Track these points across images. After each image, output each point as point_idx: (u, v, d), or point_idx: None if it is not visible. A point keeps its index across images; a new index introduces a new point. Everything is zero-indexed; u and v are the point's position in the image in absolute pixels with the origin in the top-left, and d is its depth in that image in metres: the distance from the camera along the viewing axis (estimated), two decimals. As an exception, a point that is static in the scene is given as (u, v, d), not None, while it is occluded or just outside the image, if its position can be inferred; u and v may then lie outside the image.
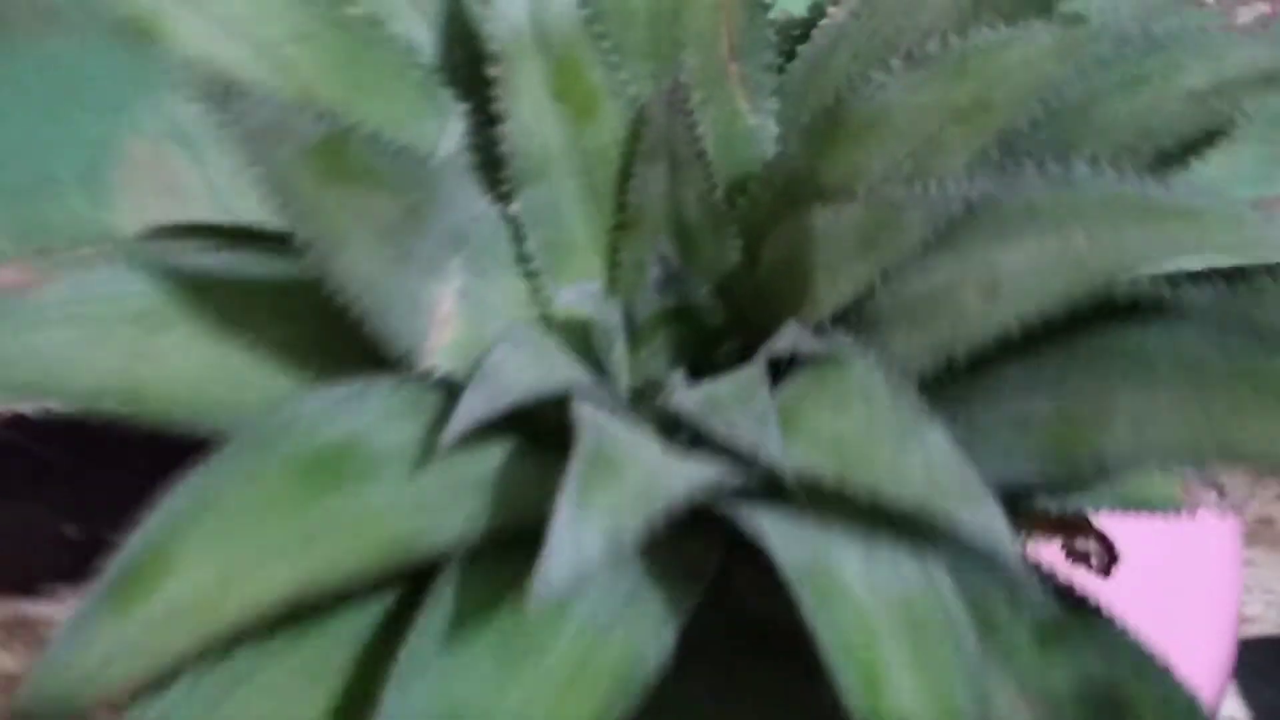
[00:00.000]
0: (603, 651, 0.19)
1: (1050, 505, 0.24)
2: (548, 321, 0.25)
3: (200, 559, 0.18)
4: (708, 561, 0.23)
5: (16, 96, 0.51)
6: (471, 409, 0.20)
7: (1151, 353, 0.20)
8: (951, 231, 0.22)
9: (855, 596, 0.18)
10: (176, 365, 0.22)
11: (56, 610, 0.64)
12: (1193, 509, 0.29)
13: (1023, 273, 0.21)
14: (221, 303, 0.22)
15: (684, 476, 0.19)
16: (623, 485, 0.18)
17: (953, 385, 0.22)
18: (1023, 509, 0.23)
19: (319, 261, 0.19)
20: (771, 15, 0.26)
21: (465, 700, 0.18)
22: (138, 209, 0.56)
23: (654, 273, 0.26)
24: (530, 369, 0.22)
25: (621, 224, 0.26)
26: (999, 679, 0.19)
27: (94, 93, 0.51)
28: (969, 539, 0.19)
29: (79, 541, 0.66)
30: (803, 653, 0.23)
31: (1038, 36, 0.21)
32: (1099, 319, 0.21)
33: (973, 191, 0.21)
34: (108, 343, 0.21)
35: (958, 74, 0.22)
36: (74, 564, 0.70)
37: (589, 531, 0.17)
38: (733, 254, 0.26)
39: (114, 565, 0.17)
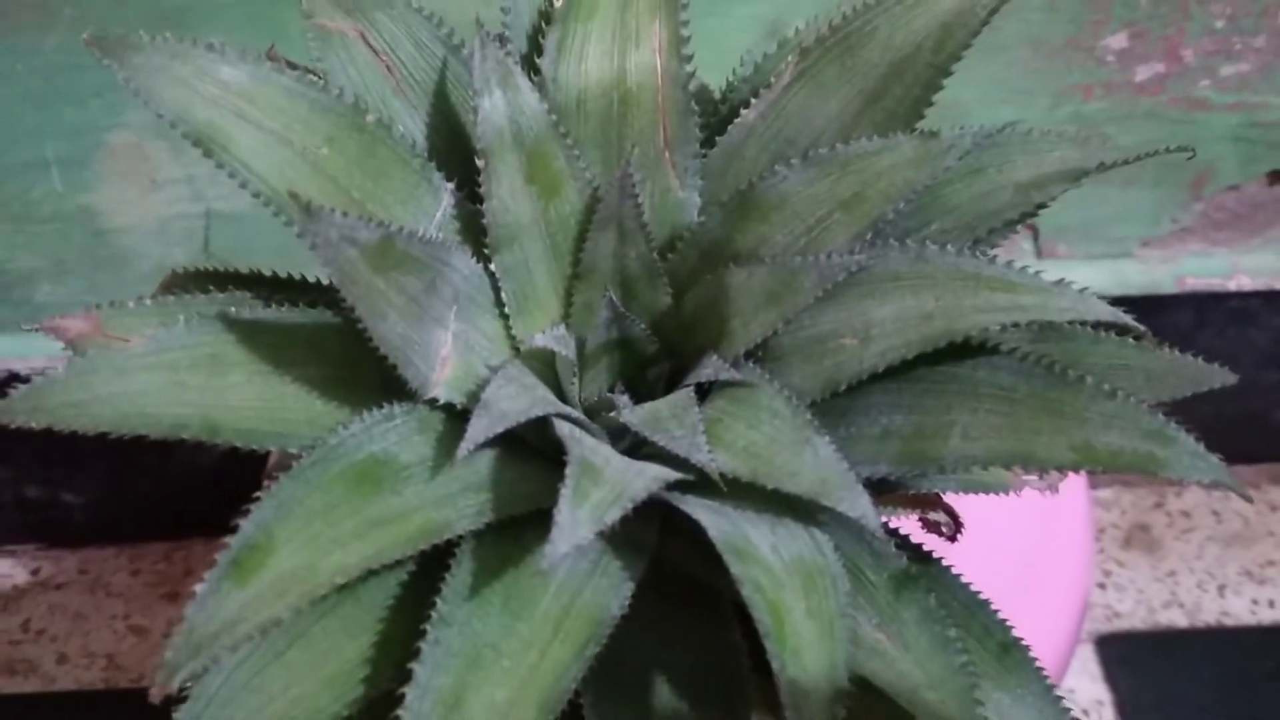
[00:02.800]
0: (578, 603, 0.26)
1: (909, 486, 0.31)
2: (519, 354, 0.32)
3: (293, 547, 0.24)
4: (649, 537, 0.30)
5: (8, 85, 0.55)
6: (477, 431, 0.27)
7: (979, 383, 0.28)
8: (836, 291, 0.29)
9: (765, 558, 0.25)
10: (240, 400, 0.28)
11: (15, 565, 0.67)
12: (1019, 488, 0.36)
13: (888, 323, 0.29)
14: (269, 347, 0.29)
15: (645, 477, 0.26)
16: (604, 486, 0.25)
17: (835, 405, 0.29)
18: (885, 491, 0.30)
19: (369, 327, 0.26)
20: (690, 87, 0.33)
21: (484, 635, 0.25)
22: (117, 196, 0.60)
23: (603, 314, 0.32)
24: (518, 399, 0.28)
25: (576, 275, 0.32)
26: (865, 614, 0.26)
27: (83, 86, 0.55)
28: (846, 518, 0.27)
29: (40, 502, 0.70)
30: (716, 602, 0.30)
31: (902, 146, 0.29)
32: (944, 357, 0.29)
33: (852, 262, 0.28)
34: (185, 385, 0.27)
35: (842, 172, 0.29)
36: (34, 521, 0.73)
37: (582, 520, 0.24)
38: (664, 298, 0.33)
39: (230, 549, 0.23)
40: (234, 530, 0.24)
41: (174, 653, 0.22)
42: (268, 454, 0.54)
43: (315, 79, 0.29)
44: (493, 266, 0.31)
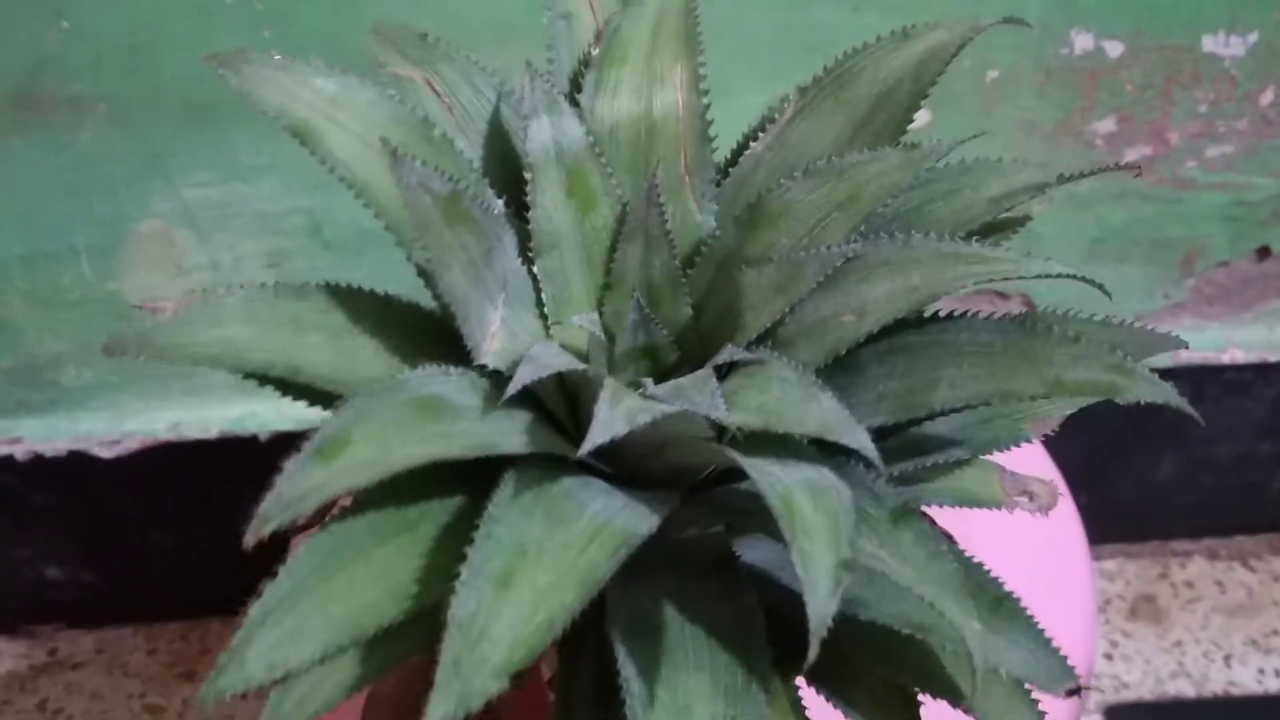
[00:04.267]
0: (611, 524, 0.30)
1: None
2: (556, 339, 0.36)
3: (365, 442, 0.27)
4: (672, 498, 0.33)
5: (42, 176, 0.60)
6: (524, 374, 0.31)
7: (962, 345, 0.32)
8: (835, 279, 0.33)
9: (778, 475, 0.29)
10: (317, 355, 0.32)
11: (32, 645, 0.67)
12: (1010, 507, 0.40)
13: (881, 300, 0.33)
14: (343, 317, 0.33)
15: (661, 405, 0.30)
16: (633, 399, 0.28)
17: (837, 382, 0.33)
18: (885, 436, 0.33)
19: (437, 275, 0.30)
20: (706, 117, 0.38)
21: (529, 537, 0.28)
22: (143, 281, 0.65)
23: (631, 316, 0.36)
24: (559, 358, 0.32)
25: (608, 285, 0.37)
26: (866, 539, 0.30)
27: (115, 177, 0.60)
28: (848, 470, 0.30)
29: (60, 582, 0.71)
30: (734, 573, 0.33)
31: (889, 156, 0.34)
32: (931, 326, 0.33)
33: (849, 250, 0.33)
34: (271, 337, 0.31)
35: (838, 180, 0.34)
36: (53, 602, 0.77)
37: (618, 418, 0.27)
38: (685, 309, 0.37)
39: (313, 442, 0.27)
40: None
41: (265, 508, 0.25)
42: (288, 535, 0.58)
43: (394, 94, 0.34)
44: (535, 269, 0.36)
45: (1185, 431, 0.74)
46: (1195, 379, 0.70)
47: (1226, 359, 0.69)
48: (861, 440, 0.30)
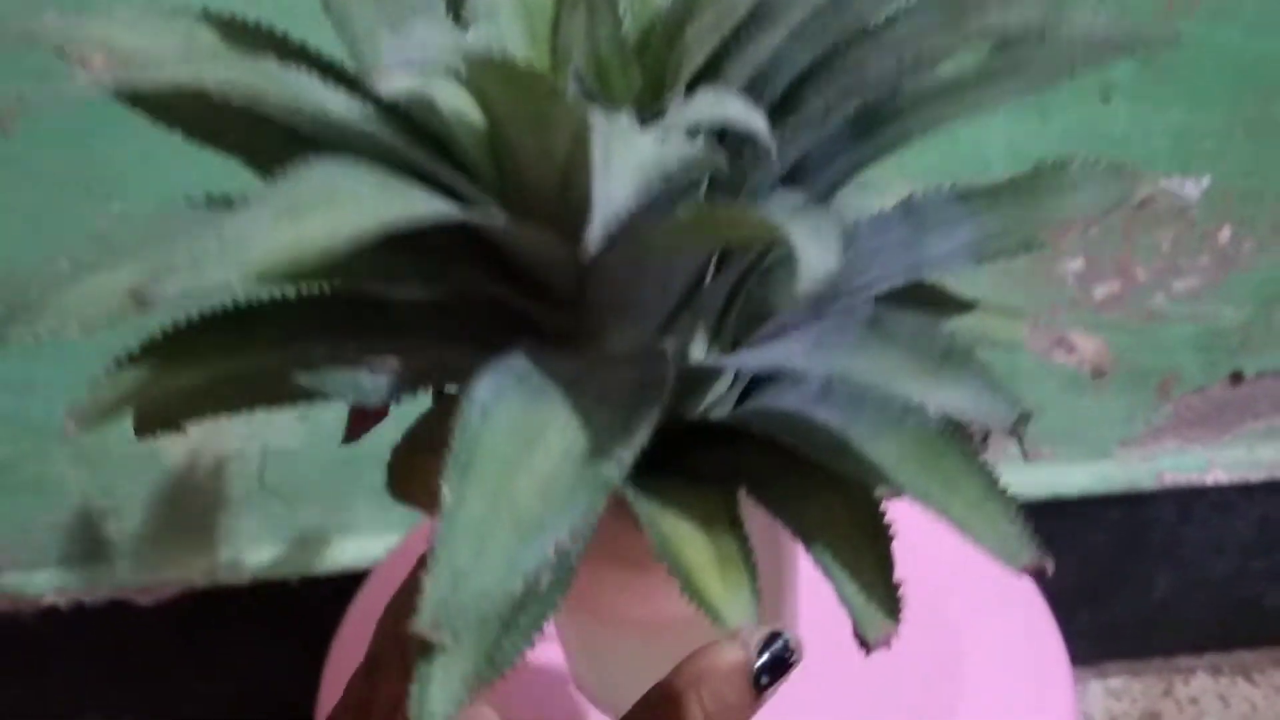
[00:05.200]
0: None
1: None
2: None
3: (179, 65, 0.25)
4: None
5: (92, 347, 0.60)
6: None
7: (900, 38, 0.27)
8: (771, 11, 0.30)
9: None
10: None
11: None
12: (1045, 355, 0.34)
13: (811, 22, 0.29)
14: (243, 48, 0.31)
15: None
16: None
17: (780, 116, 0.29)
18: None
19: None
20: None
21: (344, 186, 0.25)
22: (181, 436, 0.64)
23: (572, 88, 0.33)
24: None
25: (554, 66, 0.34)
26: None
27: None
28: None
29: None
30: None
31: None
32: (869, 40, 0.28)
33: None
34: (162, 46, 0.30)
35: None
36: None
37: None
38: (637, 83, 0.33)
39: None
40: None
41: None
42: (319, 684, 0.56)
43: None
44: (469, 35, 0.33)
45: (1177, 551, 0.75)
46: (1182, 500, 0.71)
47: (1210, 480, 0.70)
48: (756, 121, 0.25)
